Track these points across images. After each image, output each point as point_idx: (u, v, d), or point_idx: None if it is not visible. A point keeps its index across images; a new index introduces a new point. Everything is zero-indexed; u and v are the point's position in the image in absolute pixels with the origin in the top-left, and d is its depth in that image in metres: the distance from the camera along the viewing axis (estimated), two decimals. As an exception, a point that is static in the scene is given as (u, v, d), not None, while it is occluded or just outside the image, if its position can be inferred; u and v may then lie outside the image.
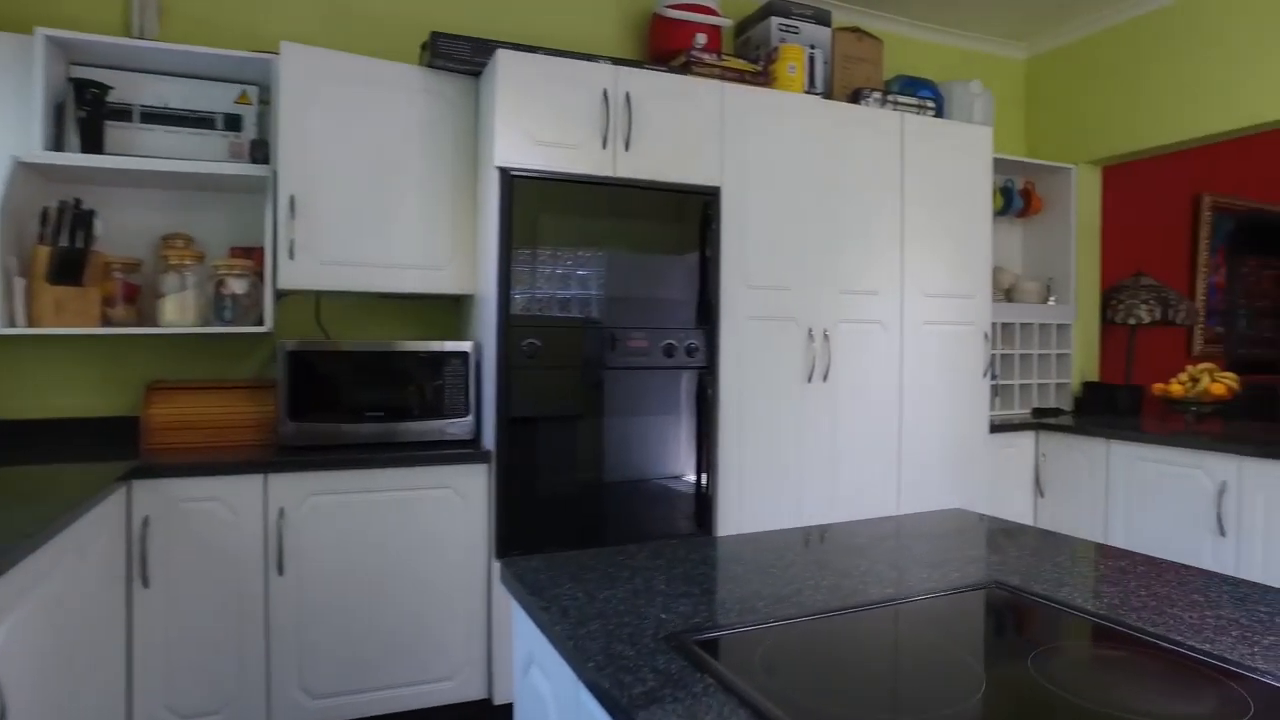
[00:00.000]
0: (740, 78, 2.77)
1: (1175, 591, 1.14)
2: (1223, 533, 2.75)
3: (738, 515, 2.72)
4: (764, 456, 2.77)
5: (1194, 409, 3.33)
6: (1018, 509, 3.39)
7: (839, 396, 2.89)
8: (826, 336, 2.86)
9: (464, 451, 2.39)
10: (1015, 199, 3.85)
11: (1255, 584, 1.18)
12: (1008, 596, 1.12)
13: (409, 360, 2.48)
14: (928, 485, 3.08)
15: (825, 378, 2.87)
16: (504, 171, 2.39)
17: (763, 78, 2.82)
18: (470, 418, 2.54)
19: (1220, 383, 3.28)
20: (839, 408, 2.89)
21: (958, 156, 3.14)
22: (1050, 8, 3.62)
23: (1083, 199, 3.85)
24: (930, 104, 3.15)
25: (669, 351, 2.62)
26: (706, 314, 2.67)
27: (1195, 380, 3.33)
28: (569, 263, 2.46)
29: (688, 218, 2.64)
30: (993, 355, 3.28)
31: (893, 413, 3.01)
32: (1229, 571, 2.72)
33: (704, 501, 2.67)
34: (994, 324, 3.57)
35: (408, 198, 2.58)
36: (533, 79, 2.42)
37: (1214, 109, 3.29)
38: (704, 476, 2.67)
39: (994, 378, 3.57)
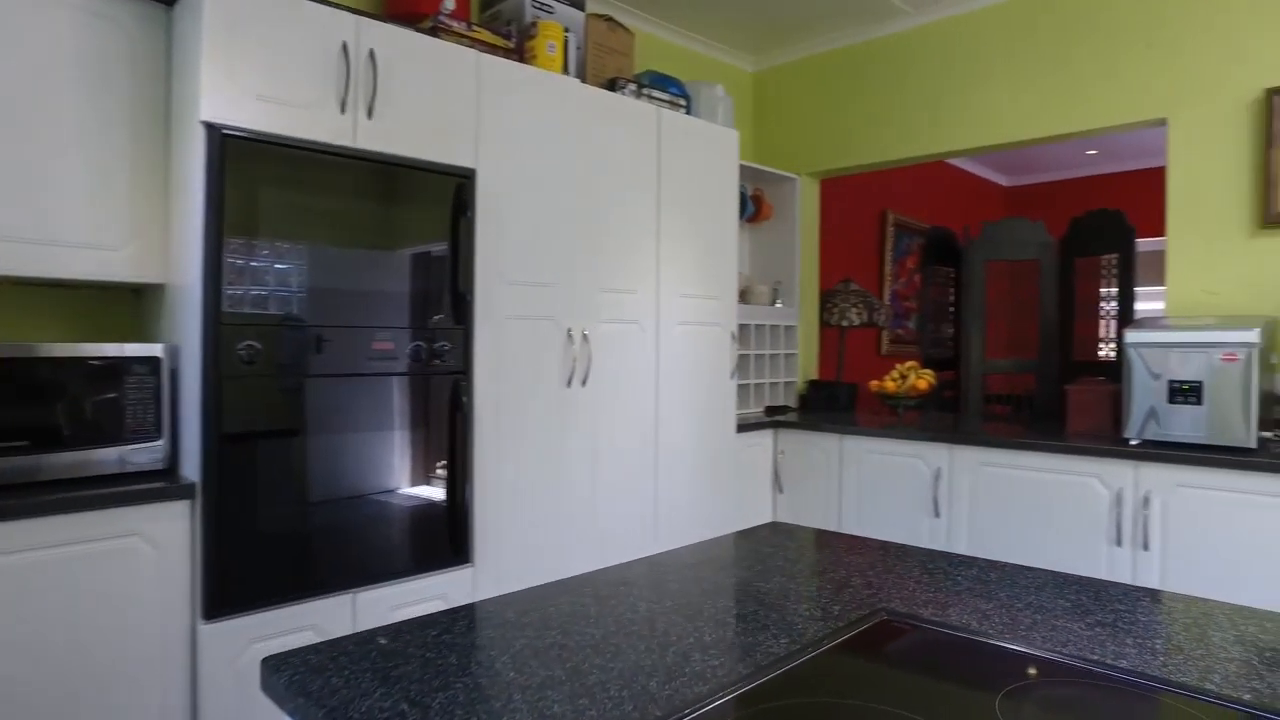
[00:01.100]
0: (493, 51, 2.49)
1: (1050, 600, 1.11)
2: (937, 514, 3.05)
3: (497, 536, 2.45)
4: (524, 468, 2.52)
5: (903, 403, 3.69)
6: (759, 505, 3.51)
7: (599, 400, 2.74)
8: (586, 337, 2.69)
9: (156, 486, 1.84)
10: (748, 204, 4.00)
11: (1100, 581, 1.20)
12: (910, 631, 1.00)
13: (71, 369, 1.86)
14: (682, 487, 3.05)
15: (585, 381, 2.69)
16: (213, 129, 1.88)
17: (516, 54, 2.57)
18: (163, 441, 1.98)
19: (923, 379, 3.68)
20: (599, 412, 2.74)
21: (709, 157, 3.15)
22: (777, 27, 3.80)
23: (805, 208, 4.12)
24: (682, 102, 3.12)
25: (418, 355, 2.26)
26: (460, 312, 2.36)
27: (904, 377, 3.69)
28: (297, 250, 2.01)
29: (440, 203, 2.31)
30: (736, 356, 3.36)
31: (649, 415, 2.93)
32: (941, 546, 3.02)
33: (459, 523, 2.36)
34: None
35: (69, 154, 1.94)
36: (252, 16, 1.93)
37: (902, 137, 3.67)
38: (459, 495, 2.36)
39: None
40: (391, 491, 2.20)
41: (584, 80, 2.96)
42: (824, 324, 4.28)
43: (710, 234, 3.16)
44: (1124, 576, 2.63)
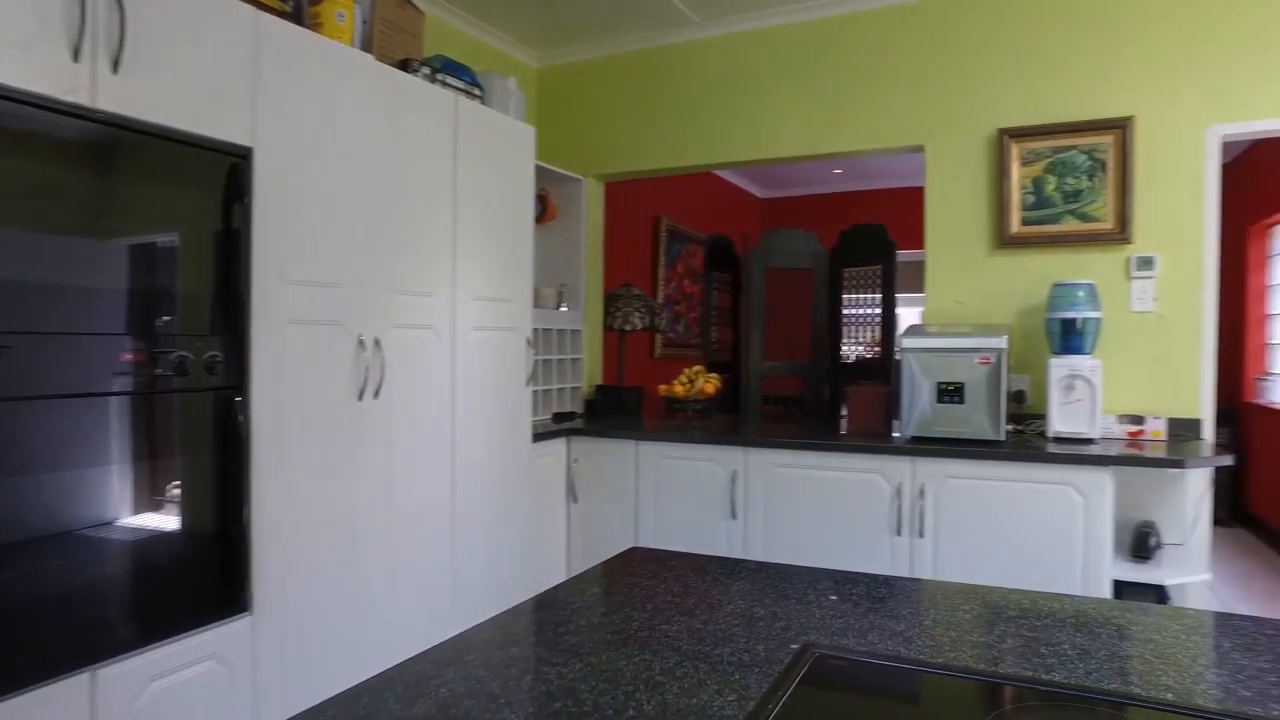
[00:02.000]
0: (270, 10, 2.11)
1: (959, 615, 1.09)
2: (734, 515, 3.12)
3: (280, 574, 2.07)
4: (311, 494, 2.17)
5: (691, 406, 3.75)
6: (554, 518, 3.38)
7: (393, 415, 2.44)
8: (379, 345, 2.38)
9: None
10: (535, 203, 3.85)
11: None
12: (848, 667, 0.92)
13: None
14: (480, 502, 2.83)
15: (378, 394, 2.38)
16: None
17: (294, 18, 2.21)
18: None
19: (710, 383, 3.76)
20: (393, 427, 2.44)
21: (507, 152, 2.96)
22: (565, 24, 3.70)
23: (591, 210, 4.05)
24: (477, 91, 2.90)
25: (182, 367, 1.85)
26: (233, 317, 1.97)
27: (692, 381, 3.76)
28: (17, 237, 1.53)
29: (207, 185, 1.90)
30: (534, 362, 3.19)
31: (446, 428, 2.67)
32: (738, 549, 3.10)
33: (232, 563, 1.96)
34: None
35: None
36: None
37: (689, 145, 3.75)
38: (232, 529, 1.96)
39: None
40: (137, 532, 1.76)
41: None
42: (606, 328, 4.24)
43: (507, 234, 2.96)
44: (903, 563, 2.85)
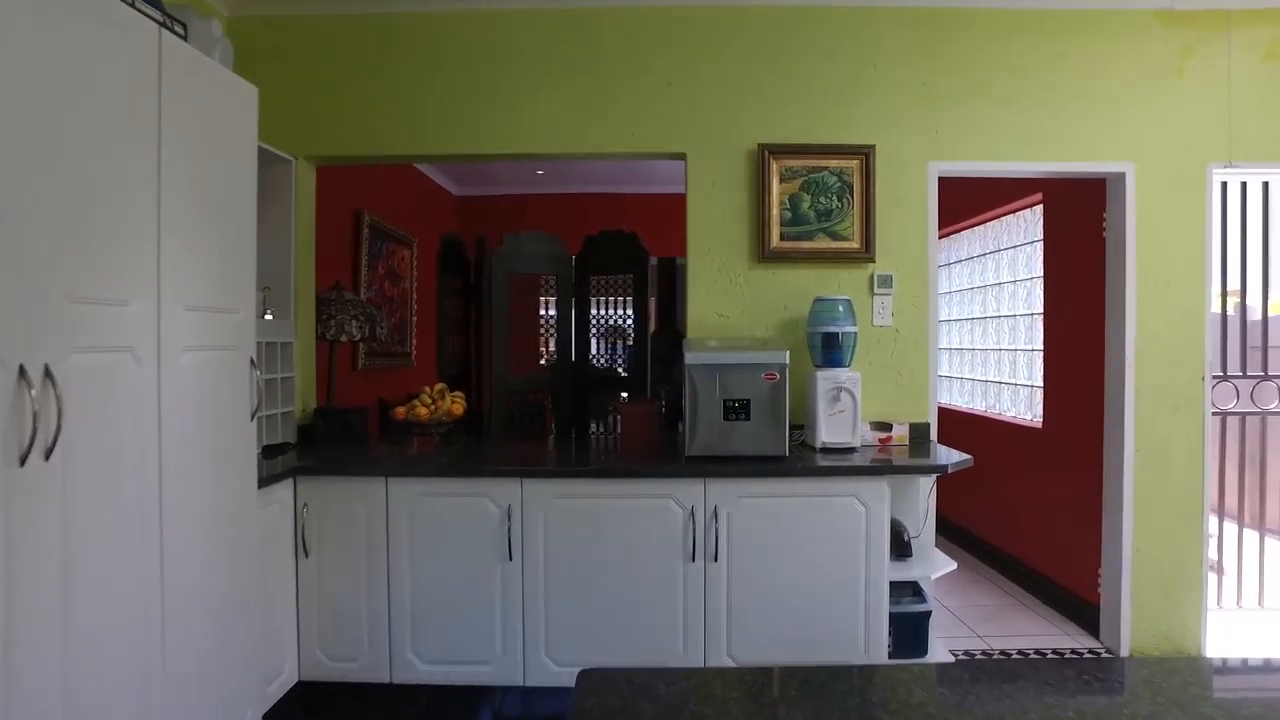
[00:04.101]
0: None
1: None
2: (510, 557, 2.73)
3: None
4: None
5: (436, 430, 3.25)
6: (281, 578, 2.67)
7: (75, 482, 1.65)
8: (51, 378, 1.59)
9: None
10: (230, 185, 3.03)
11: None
12: None
13: None
14: (198, 584, 2.08)
15: (50, 454, 1.59)
16: None
17: None
18: None
19: (457, 402, 3.30)
20: (75, 502, 1.65)
21: (225, 114, 2.23)
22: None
23: (302, 199, 3.32)
24: (179, 27, 2.14)
25: None
26: None
27: (436, 401, 3.25)
28: None
29: None
30: (259, 388, 2.46)
31: (151, 491, 1.91)
32: (515, 596, 2.72)
33: None
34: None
35: None
36: None
37: (429, 130, 3.26)
38: None
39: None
40: None
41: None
42: (319, 339, 3.53)
43: (229, 222, 2.24)
44: (697, 589, 2.72)
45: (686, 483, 2.72)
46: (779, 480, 2.71)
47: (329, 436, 3.26)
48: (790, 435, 2.99)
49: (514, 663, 2.73)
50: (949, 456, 2.90)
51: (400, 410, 3.25)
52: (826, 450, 2.98)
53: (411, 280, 5.63)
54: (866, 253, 3.23)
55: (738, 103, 3.26)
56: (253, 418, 2.37)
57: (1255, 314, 3.94)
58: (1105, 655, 3.38)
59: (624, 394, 4.02)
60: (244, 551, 2.30)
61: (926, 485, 3.14)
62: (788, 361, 2.82)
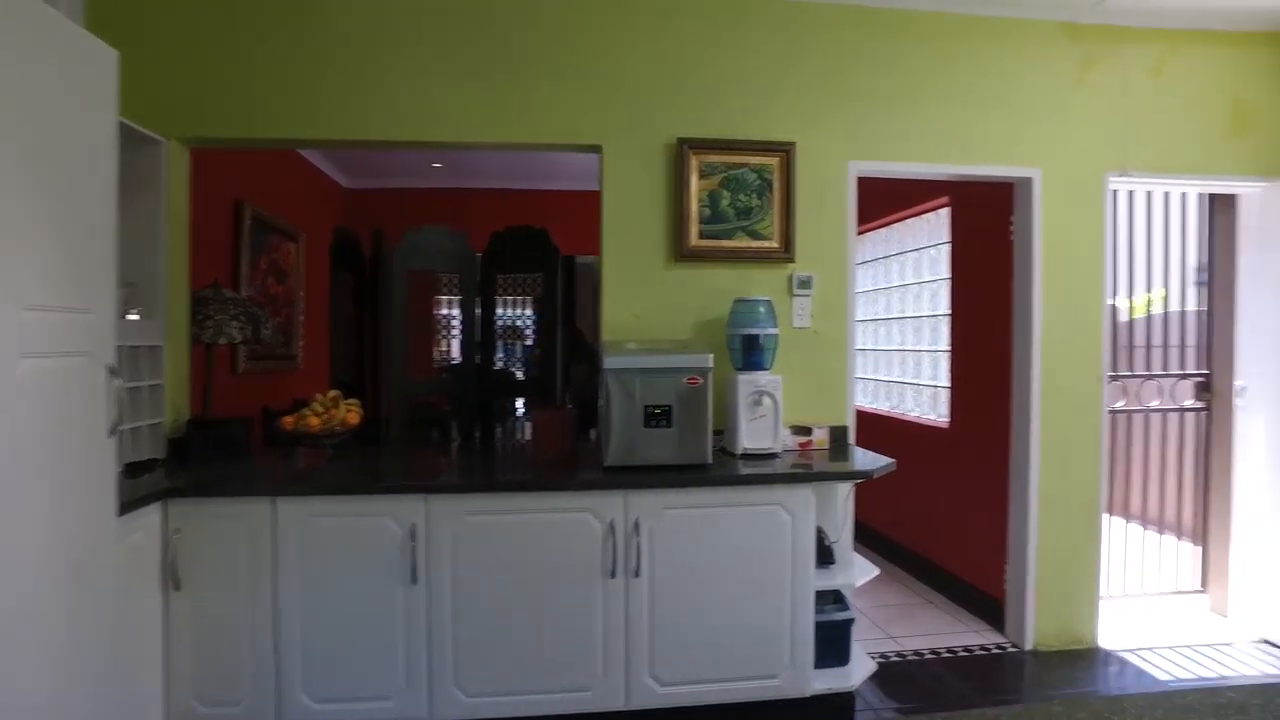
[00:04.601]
0: None
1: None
2: (415, 579, 2.50)
3: None
4: None
5: (328, 442, 2.97)
6: (145, 617, 2.35)
7: None
8: None
9: None
10: (84, 167, 2.66)
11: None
12: None
13: None
14: (29, 623, 1.77)
15: None
16: None
17: None
18: None
19: (352, 411, 3.02)
20: None
21: (76, 79, 1.91)
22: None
23: (174, 185, 2.97)
24: (14, -26, 1.81)
25: None
26: None
27: (329, 410, 2.97)
28: None
29: None
30: (121, 399, 2.13)
31: (-21, 524, 1.60)
32: (420, 622, 2.49)
33: None
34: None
35: None
36: None
37: (324, 113, 2.98)
38: None
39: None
40: None
41: None
42: (193, 340, 3.18)
43: (77, 207, 1.92)
44: (618, 608, 2.57)
45: (606, 495, 2.56)
46: (703, 490, 2.59)
47: (206, 451, 2.92)
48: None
49: (419, 696, 2.50)
50: (873, 461, 2.86)
51: (288, 420, 2.95)
52: (748, 456, 2.89)
53: (299, 277, 5.23)
54: (786, 253, 3.16)
55: (657, 95, 3.12)
56: (111, 433, 2.06)
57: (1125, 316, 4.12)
58: (1011, 650, 3.45)
59: (519, 400, 3.83)
60: (96, 588, 1.99)
61: (845, 489, 3.10)
62: (711, 365, 2.71)
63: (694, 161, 3.10)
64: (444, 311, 5.45)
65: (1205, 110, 3.50)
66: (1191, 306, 3.96)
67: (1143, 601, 3.89)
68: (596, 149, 3.12)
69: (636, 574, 2.57)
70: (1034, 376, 3.38)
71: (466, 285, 3.53)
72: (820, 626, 2.71)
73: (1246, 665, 3.33)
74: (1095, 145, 3.41)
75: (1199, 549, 3.92)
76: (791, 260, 3.17)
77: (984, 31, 3.30)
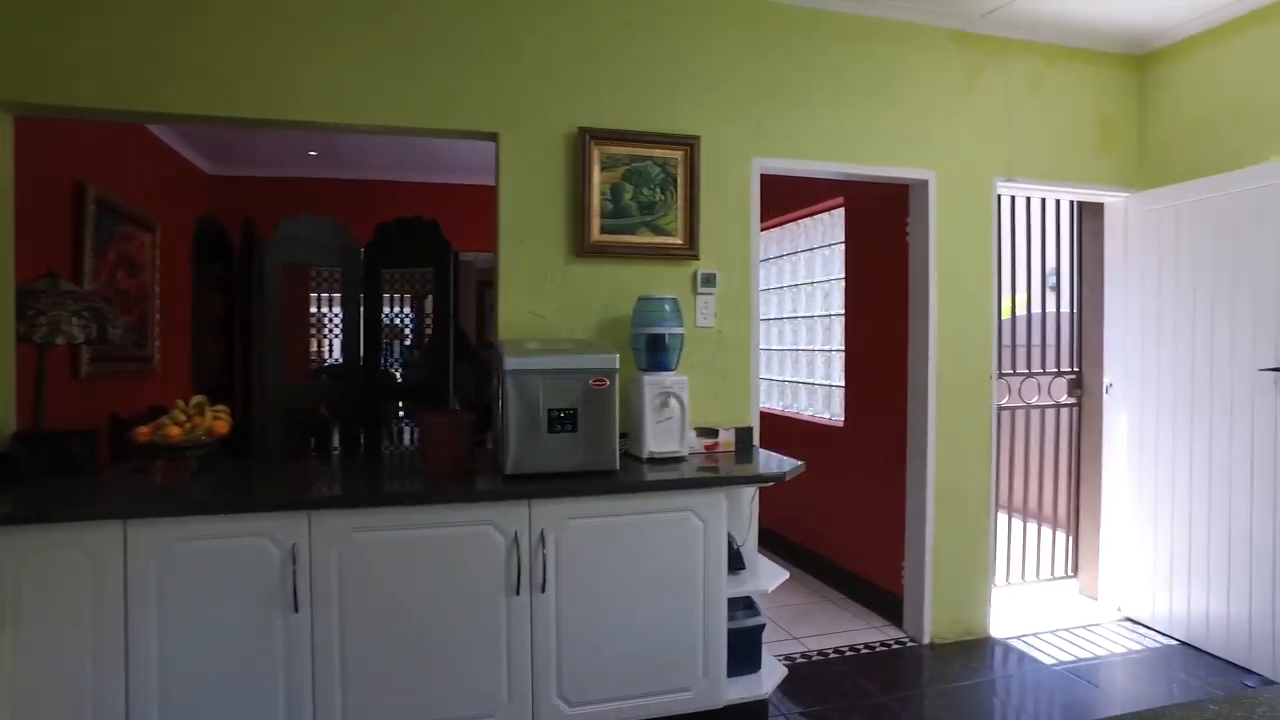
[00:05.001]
0: None
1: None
2: (296, 608, 2.25)
3: None
4: None
5: (193, 454, 2.65)
6: (-37, 667, 1.99)
7: None
8: None
9: None
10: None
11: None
12: None
13: None
14: None
15: None
16: None
17: None
18: None
19: (220, 419, 2.71)
20: None
21: None
22: None
23: (-4, 158, 2.57)
24: None
25: None
26: None
27: (193, 418, 2.65)
28: None
29: None
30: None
31: None
32: (304, 654, 2.24)
33: None
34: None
35: None
36: None
37: (177, 81, 2.65)
38: None
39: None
40: None
41: None
42: (21, 339, 2.77)
43: None
44: (523, 625, 2.40)
45: (508, 506, 2.39)
46: (612, 498, 2.47)
47: (40, 469, 2.54)
48: (617, 446, 2.76)
49: (302, 736, 2.25)
50: (783, 463, 2.81)
51: (143, 430, 2.61)
52: (654, 461, 2.78)
53: (154, 270, 4.73)
54: (690, 249, 3.08)
55: (559, 82, 2.97)
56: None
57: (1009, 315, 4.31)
58: (910, 644, 3.51)
59: (400, 404, 3.60)
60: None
61: (750, 491, 3.05)
62: (618, 366, 2.58)
63: (596, 152, 2.97)
64: (325, 309, 5.08)
65: (1078, 124, 3.69)
66: (1057, 308, 4.17)
67: (1023, 589, 4.07)
68: (493, 137, 2.94)
69: (543, 589, 2.41)
70: (930, 375, 3.46)
71: (350, 280, 3.26)
72: (733, 634, 2.64)
73: (1114, 643, 3.52)
74: (985, 150, 3.52)
75: (1071, 537, 4.13)
76: (695, 257, 3.09)
77: (885, 34, 3.34)
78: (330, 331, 3.03)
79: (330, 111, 2.79)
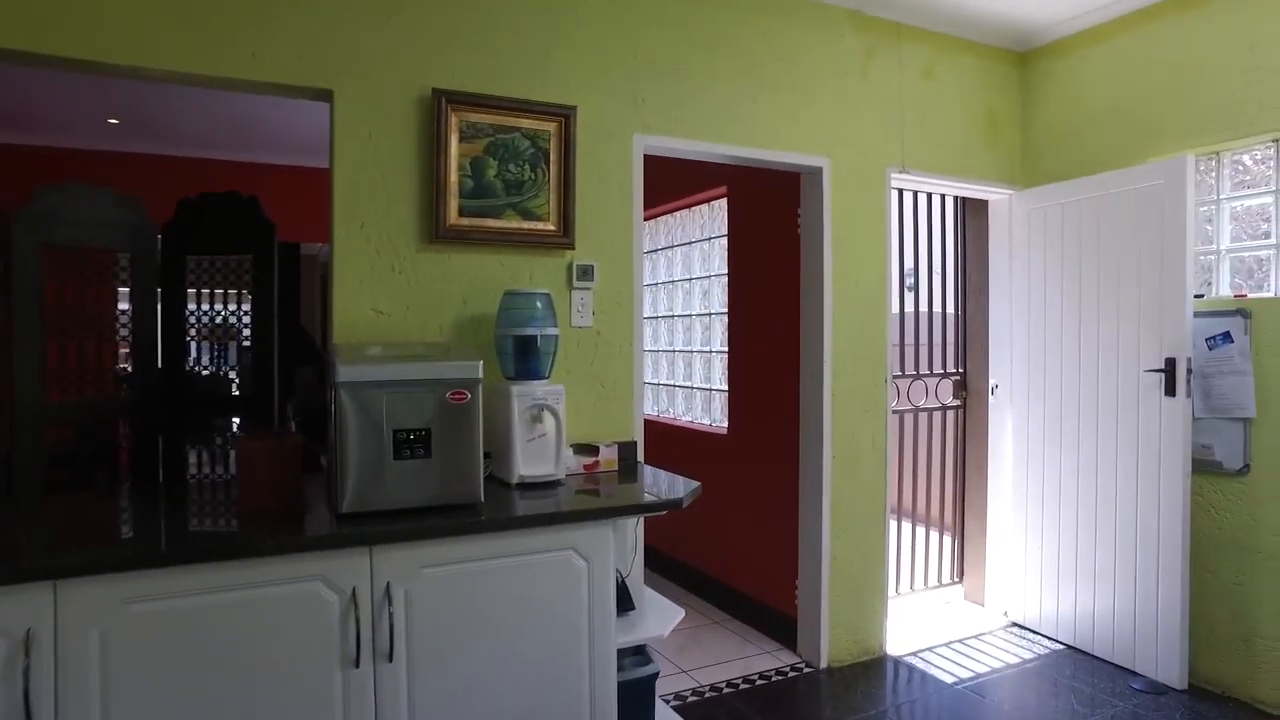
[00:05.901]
0: None
1: None
2: (29, 716, 1.65)
3: None
4: None
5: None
6: None
7: None
8: None
9: None
10: None
11: None
12: None
13: None
14: None
15: None
16: None
17: None
18: None
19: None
20: None
21: None
22: None
23: None
24: None
25: None
26: None
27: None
28: None
29: None
30: None
31: None
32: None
33: None
34: None
35: None
36: None
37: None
38: None
39: None
40: None
41: None
42: None
43: None
44: (365, 705, 1.90)
45: (344, 555, 1.88)
46: (475, 539, 2.00)
47: None
48: (482, 470, 2.30)
49: None
50: (675, 484, 2.44)
51: None
52: (525, 486, 2.35)
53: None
54: (565, 236, 2.66)
55: (408, 33, 2.46)
56: None
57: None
58: (806, 670, 3.24)
59: (231, 420, 2.97)
60: None
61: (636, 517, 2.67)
62: (481, 375, 2.12)
63: (454, 120, 2.49)
64: (118, 305, 4.24)
65: (967, 116, 3.55)
66: (943, 308, 4.06)
67: (912, 599, 3.92)
68: (327, 95, 2.40)
69: (389, 658, 1.92)
70: (826, 377, 3.20)
71: (142, 269, 2.61)
72: (623, 687, 2.23)
73: (1007, 652, 3.41)
74: (879, 139, 3.30)
75: (957, 541, 4.03)
76: (571, 246, 2.67)
77: (775, 7, 3.04)
78: (119, 333, 2.42)
79: (120, 52, 2.16)
